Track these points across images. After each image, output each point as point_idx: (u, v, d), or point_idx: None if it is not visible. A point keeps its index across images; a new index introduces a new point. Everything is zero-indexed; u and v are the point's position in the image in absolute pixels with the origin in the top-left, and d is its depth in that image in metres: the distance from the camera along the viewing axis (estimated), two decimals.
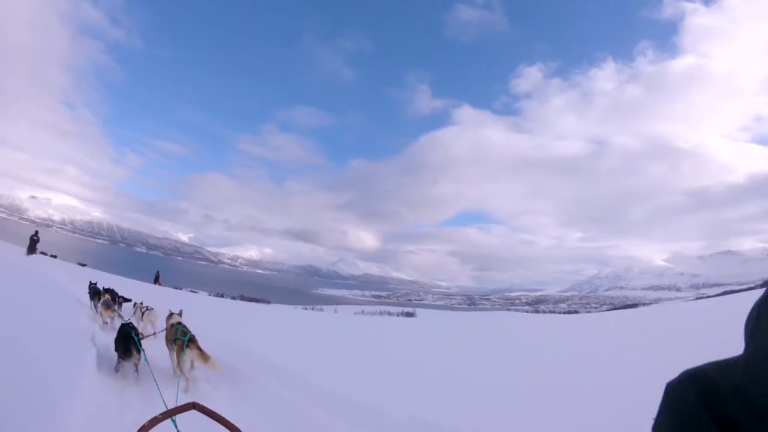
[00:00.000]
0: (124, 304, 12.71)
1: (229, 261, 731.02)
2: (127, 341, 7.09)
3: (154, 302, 12.54)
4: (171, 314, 8.60)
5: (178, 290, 42.86)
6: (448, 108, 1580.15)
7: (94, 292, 12.77)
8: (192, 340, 7.33)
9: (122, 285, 19.18)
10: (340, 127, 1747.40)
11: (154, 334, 9.34)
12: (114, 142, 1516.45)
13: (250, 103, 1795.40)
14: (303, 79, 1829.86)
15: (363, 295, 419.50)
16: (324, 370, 9.25)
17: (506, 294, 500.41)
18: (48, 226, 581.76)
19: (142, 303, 11.81)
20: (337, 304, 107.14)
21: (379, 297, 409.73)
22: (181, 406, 2.89)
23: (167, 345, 7.96)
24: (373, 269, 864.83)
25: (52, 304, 11.36)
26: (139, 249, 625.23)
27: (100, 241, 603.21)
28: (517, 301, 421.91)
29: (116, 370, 7.09)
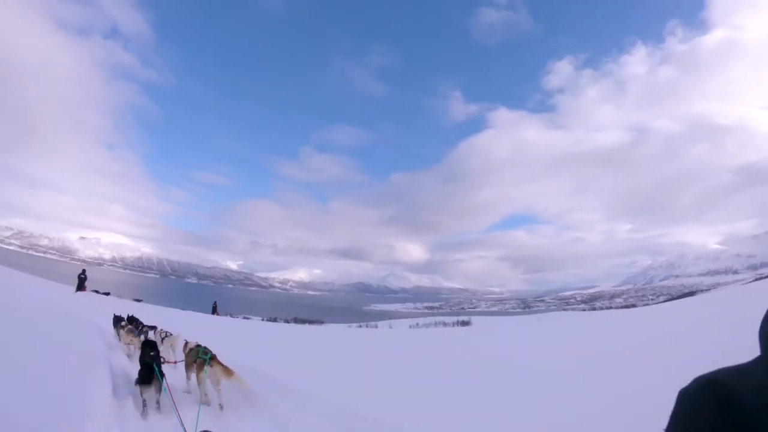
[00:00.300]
0: (150, 332, 12.62)
1: (280, 285, 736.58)
2: (148, 368, 7.01)
3: (210, 333, 12.83)
4: (187, 343, 8.61)
5: (233, 318, 43.37)
6: (483, 112, 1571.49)
7: (117, 321, 13.48)
8: (213, 358, 7.35)
9: (177, 318, 19.48)
10: (377, 142, 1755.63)
11: (175, 363, 9.29)
12: (157, 179, 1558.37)
13: (287, 127, 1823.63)
14: (336, 99, 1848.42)
15: (416, 308, 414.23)
16: (371, 399, 8.38)
17: (560, 294, 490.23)
18: (99, 264, 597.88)
19: (162, 329, 12.00)
20: (390, 318, 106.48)
21: (431, 308, 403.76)
22: None
23: (187, 372, 8.07)
24: (423, 281, 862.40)
25: (75, 334, 11.25)
26: (189, 280, 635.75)
27: (151, 275, 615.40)
28: (572, 300, 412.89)
29: (142, 398, 6.82)
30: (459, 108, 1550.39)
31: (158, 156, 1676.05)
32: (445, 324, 64.82)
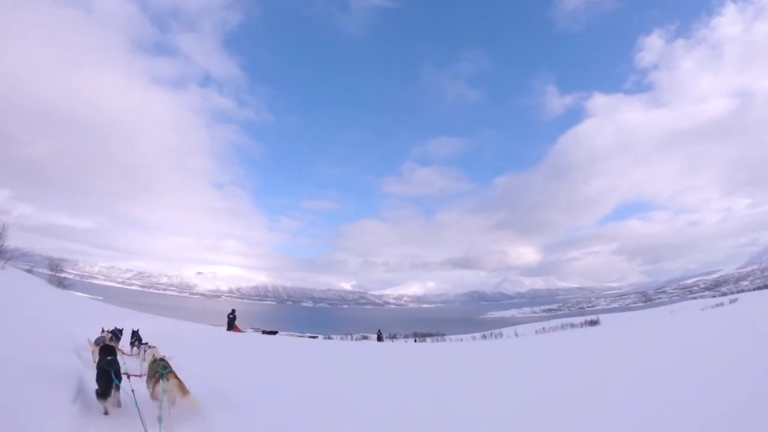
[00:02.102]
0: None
1: (394, 301, 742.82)
2: (105, 378, 6.91)
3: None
4: (153, 354, 8.50)
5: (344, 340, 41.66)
6: (579, 101, 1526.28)
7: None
8: (171, 373, 7.18)
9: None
10: (477, 149, 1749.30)
11: (140, 375, 8.72)
12: (266, 211, 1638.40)
13: (387, 146, 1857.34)
14: (432, 111, 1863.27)
15: (533, 312, 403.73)
16: None
17: (681, 283, 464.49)
18: (217, 296, 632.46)
19: (147, 343, 11.83)
20: (508, 325, 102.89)
21: (549, 311, 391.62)
22: None
23: (147, 384, 7.65)
24: (538, 283, 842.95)
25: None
26: (305, 304, 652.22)
27: (268, 302, 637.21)
28: (695, 288, 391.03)
29: (104, 412, 6.83)
30: (555, 101, 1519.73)
31: (265, 190, 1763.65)
32: (572, 325, 61.04)
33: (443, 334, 74.53)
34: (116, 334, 13.34)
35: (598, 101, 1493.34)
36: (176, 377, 7.19)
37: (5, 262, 25.70)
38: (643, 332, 22.52)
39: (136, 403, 6.59)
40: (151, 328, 20.64)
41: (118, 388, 7.00)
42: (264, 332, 36.44)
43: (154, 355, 8.41)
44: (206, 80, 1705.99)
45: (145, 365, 9.60)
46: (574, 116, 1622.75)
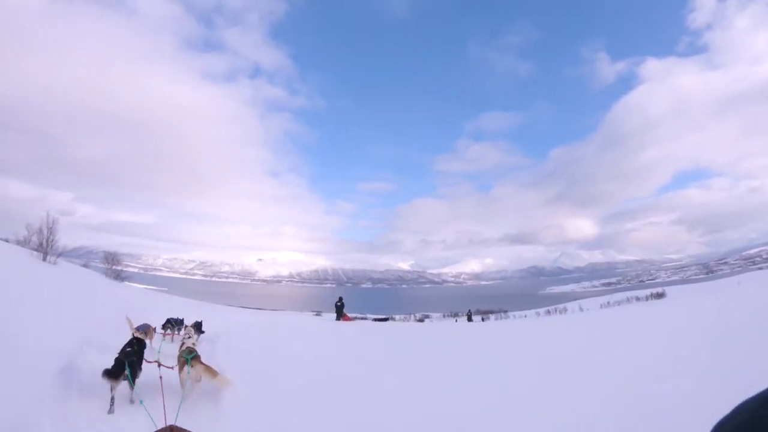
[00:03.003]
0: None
1: (453, 278, 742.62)
2: (119, 364, 7.07)
3: None
4: (183, 343, 8.67)
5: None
6: (631, 67, 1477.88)
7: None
8: (195, 358, 7.52)
9: None
10: (530, 122, 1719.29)
11: (172, 367, 8.22)
12: (323, 196, 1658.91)
13: (439, 124, 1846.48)
14: (483, 87, 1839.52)
15: (593, 286, 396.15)
16: None
17: (743, 253, 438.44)
18: (278, 282, 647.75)
19: (186, 326, 12.71)
20: (568, 300, 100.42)
21: (609, 284, 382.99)
22: (158, 431, 2.89)
23: (179, 371, 7.80)
24: (597, 257, 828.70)
25: None
26: (364, 285, 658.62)
27: (328, 285, 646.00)
28: (757, 259, 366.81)
29: (111, 393, 6.81)
30: (606, 69, 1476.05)
31: (321, 174, 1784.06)
32: (638, 299, 58.73)
33: (505, 311, 73.03)
34: (172, 322, 13.74)
35: (651, 66, 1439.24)
36: (201, 363, 7.56)
37: (57, 258, 25.95)
38: (718, 303, 21.44)
39: (141, 401, 6.50)
40: (248, 320, 21.77)
41: (126, 378, 7.03)
42: (375, 320, 35.90)
43: (183, 343, 8.62)
44: (256, 72, 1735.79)
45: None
46: (627, 83, 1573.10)
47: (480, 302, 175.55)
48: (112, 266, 33.14)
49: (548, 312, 55.27)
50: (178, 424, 4.30)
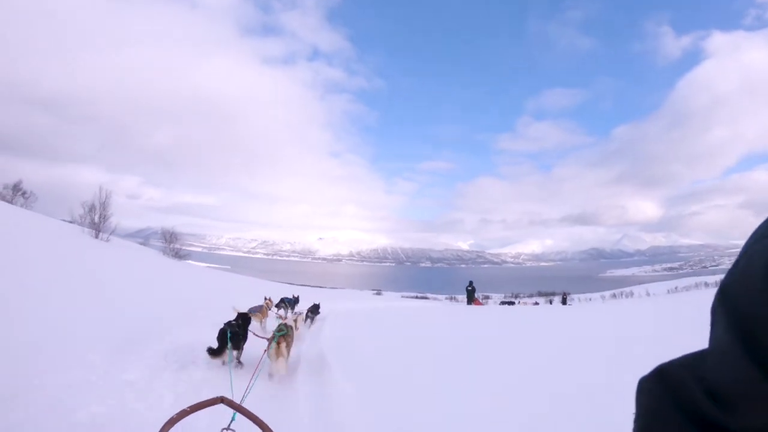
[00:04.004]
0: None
1: (512, 259, 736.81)
2: (222, 334, 7.54)
3: None
4: (284, 320, 9.61)
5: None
6: (697, 42, 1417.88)
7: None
8: (282, 337, 7.62)
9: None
10: (592, 99, 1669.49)
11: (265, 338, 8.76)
12: (383, 175, 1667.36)
13: (500, 102, 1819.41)
14: (542, 63, 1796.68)
15: (654, 270, 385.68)
16: None
17: None
18: (338, 260, 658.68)
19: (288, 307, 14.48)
20: (631, 285, 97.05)
21: (671, 269, 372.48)
22: (209, 400, 2.90)
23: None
24: (659, 240, 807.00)
25: None
26: (424, 264, 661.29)
27: (387, 264, 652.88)
28: None
29: (223, 363, 7.45)
30: (670, 44, 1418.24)
31: (381, 154, 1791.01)
32: (706, 284, 56.35)
33: (568, 294, 71.50)
34: (286, 302, 14.76)
35: (717, 40, 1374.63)
36: (283, 342, 7.62)
37: (109, 235, 25.97)
38: None
39: (230, 359, 7.33)
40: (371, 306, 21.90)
41: (228, 348, 7.39)
42: (502, 303, 35.30)
43: (284, 320, 9.14)
44: (315, 54, 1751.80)
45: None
46: (692, 58, 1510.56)
47: (541, 284, 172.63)
48: (171, 244, 32.85)
49: (614, 296, 53.30)
50: (249, 395, 4.53)
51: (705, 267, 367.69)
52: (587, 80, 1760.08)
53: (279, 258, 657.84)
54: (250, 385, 5.26)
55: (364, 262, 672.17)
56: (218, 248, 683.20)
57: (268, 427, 2.60)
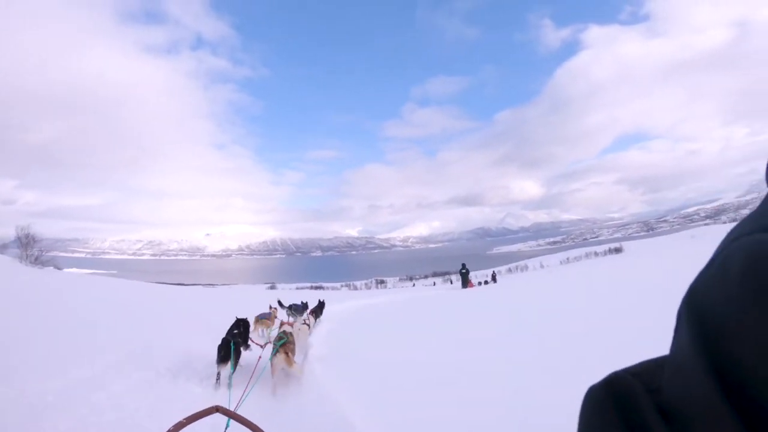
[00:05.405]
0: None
1: (401, 243, 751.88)
2: (226, 345, 7.41)
3: None
4: (282, 323, 9.36)
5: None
6: (575, 34, 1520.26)
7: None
8: (283, 346, 7.46)
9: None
10: (476, 86, 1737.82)
11: (263, 345, 8.79)
12: (271, 166, 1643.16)
13: (386, 90, 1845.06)
14: (429, 52, 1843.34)
15: (538, 245, 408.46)
16: None
17: (682, 212, 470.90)
18: (227, 255, 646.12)
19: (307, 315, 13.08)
20: (516, 260, 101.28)
21: (554, 243, 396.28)
22: (204, 410, 2.97)
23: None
24: (542, 216, 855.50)
25: None
26: (314, 254, 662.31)
27: (277, 256, 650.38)
28: (695, 217, 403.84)
29: (217, 372, 7.24)
30: (550, 35, 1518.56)
31: (268, 145, 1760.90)
32: (596, 254, 59.86)
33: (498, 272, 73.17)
34: (293, 309, 14.17)
35: (594, 33, 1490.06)
36: (286, 352, 7.39)
37: None
38: (682, 255, 23.42)
39: (232, 368, 7.14)
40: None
41: (233, 356, 7.29)
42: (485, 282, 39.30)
43: (284, 329, 8.61)
44: (198, 43, 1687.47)
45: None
46: (570, 49, 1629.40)
47: (434, 265, 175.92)
48: (28, 250, 26.49)
49: (509, 270, 54.62)
50: (245, 404, 4.61)
51: (586, 239, 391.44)
52: (472, 68, 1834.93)
53: (167, 258, 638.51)
54: (246, 393, 5.47)
55: (255, 256, 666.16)
56: (103, 252, 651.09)
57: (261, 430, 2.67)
